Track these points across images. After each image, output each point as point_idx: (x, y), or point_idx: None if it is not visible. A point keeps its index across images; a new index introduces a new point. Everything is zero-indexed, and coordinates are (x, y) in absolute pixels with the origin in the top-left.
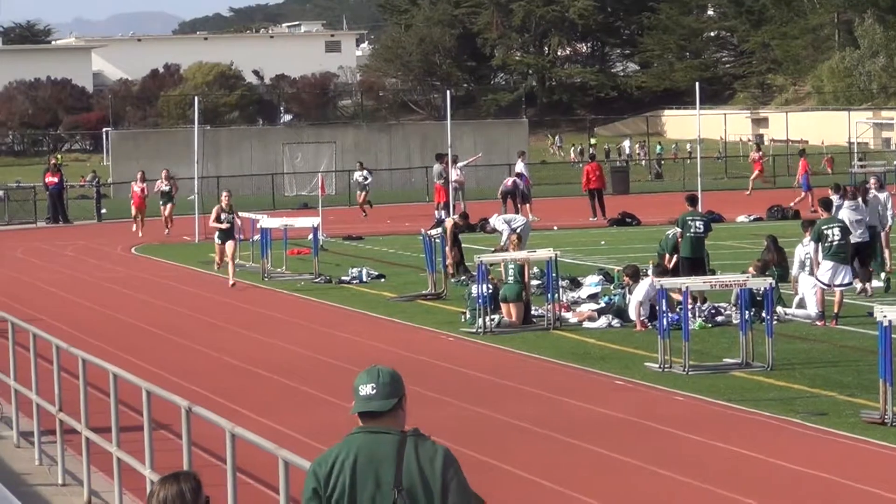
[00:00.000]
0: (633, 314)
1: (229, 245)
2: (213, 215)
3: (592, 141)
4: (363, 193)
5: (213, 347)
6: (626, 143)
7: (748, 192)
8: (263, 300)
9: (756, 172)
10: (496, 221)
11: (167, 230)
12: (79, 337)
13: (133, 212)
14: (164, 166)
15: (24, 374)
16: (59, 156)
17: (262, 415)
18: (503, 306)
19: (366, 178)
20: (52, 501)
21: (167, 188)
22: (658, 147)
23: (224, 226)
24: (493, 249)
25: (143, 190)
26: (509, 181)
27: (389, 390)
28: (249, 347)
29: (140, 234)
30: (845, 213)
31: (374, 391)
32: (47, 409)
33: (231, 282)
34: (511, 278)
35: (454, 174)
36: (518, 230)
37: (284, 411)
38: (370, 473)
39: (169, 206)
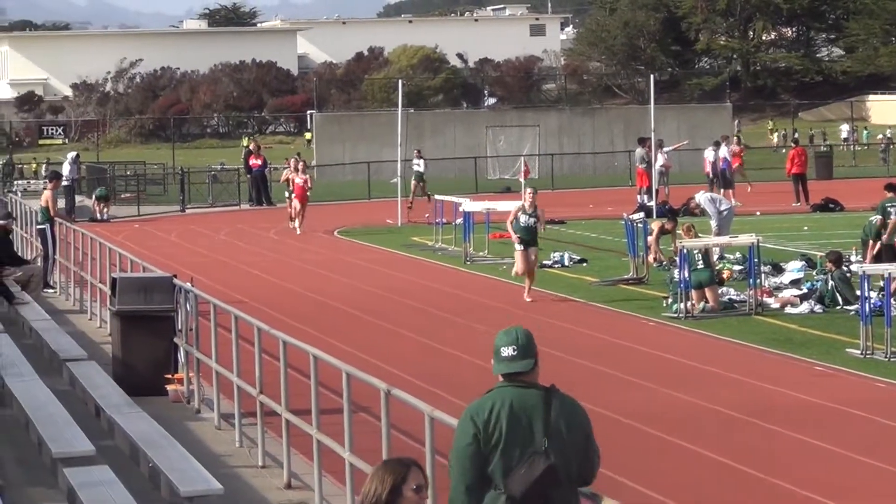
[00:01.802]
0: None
1: (532, 254)
2: (510, 216)
3: (770, 124)
4: (422, 184)
5: (415, 331)
6: (845, 128)
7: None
8: (465, 284)
9: (735, 166)
10: (702, 199)
11: (296, 224)
12: (280, 319)
13: (297, 206)
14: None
15: (225, 356)
16: (247, 139)
17: (462, 398)
18: (695, 293)
19: (419, 166)
20: (252, 483)
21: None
22: (865, 132)
23: (515, 238)
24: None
25: (306, 181)
26: (708, 163)
27: (528, 351)
28: (451, 331)
29: (298, 231)
30: None
31: (516, 352)
32: (248, 391)
33: (527, 297)
34: (700, 263)
35: (661, 158)
36: (724, 213)
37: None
38: (523, 421)
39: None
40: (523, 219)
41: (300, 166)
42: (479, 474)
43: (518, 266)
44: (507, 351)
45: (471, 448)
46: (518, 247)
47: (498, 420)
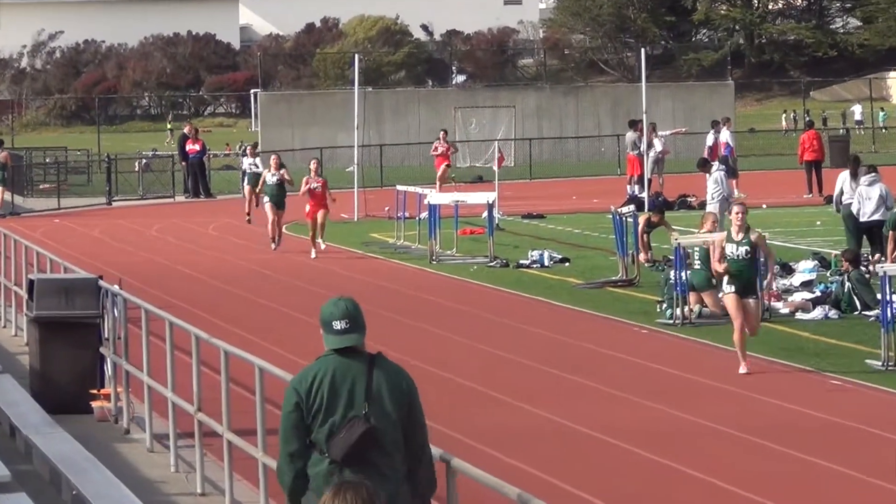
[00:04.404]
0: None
1: (750, 306)
2: (716, 252)
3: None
4: (253, 187)
5: (372, 338)
6: (857, 108)
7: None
8: (431, 286)
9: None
10: (720, 174)
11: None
12: (222, 326)
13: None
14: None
15: (158, 368)
16: (170, 124)
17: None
18: (691, 296)
19: (256, 167)
20: None
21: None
22: (881, 114)
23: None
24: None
25: (324, 185)
26: (706, 149)
27: (359, 323)
28: (411, 338)
29: (323, 247)
30: None
31: (348, 325)
32: (184, 408)
33: (743, 367)
34: (698, 264)
35: (657, 144)
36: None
37: (448, 411)
38: (345, 388)
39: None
40: (730, 249)
41: (313, 165)
42: (301, 441)
43: (735, 324)
44: (340, 324)
45: (293, 416)
46: (727, 289)
47: (320, 388)
